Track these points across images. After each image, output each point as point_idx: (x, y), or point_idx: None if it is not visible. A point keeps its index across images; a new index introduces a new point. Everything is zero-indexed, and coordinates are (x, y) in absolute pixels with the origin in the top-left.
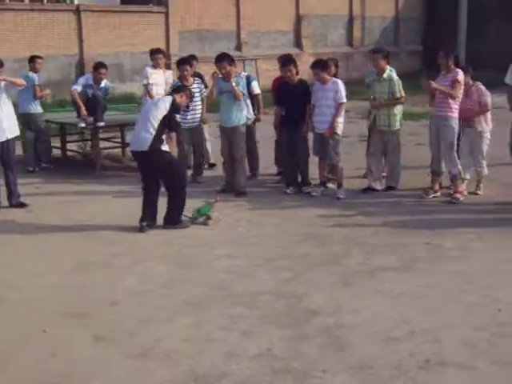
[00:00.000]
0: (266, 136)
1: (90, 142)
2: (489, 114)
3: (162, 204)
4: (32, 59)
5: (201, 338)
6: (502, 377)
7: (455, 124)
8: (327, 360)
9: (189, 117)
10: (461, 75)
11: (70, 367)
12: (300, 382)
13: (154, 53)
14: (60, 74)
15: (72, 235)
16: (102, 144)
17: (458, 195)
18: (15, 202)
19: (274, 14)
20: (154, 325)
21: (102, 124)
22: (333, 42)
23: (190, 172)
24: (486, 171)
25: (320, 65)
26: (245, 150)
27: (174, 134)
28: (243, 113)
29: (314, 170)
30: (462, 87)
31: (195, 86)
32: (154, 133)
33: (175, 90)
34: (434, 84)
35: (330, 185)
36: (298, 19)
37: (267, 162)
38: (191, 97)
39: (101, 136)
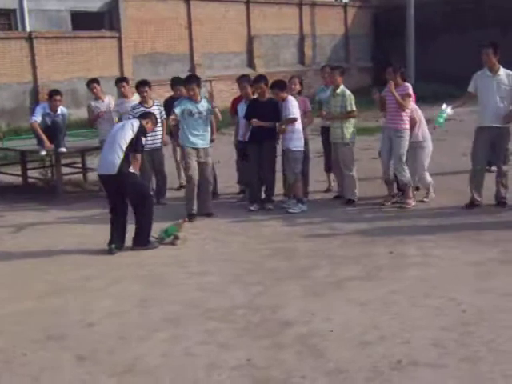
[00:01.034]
0: (224, 155)
1: (51, 169)
2: (423, 126)
3: (130, 226)
4: None
5: (180, 352)
6: (471, 373)
7: (407, 135)
8: (305, 367)
9: (149, 139)
10: (410, 89)
11: None
12: None
13: (118, 81)
14: (14, 102)
15: (42, 260)
16: (64, 170)
17: (409, 201)
18: None
19: (226, 36)
20: (134, 343)
21: (63, 150)
22: (285, 61)
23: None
24: (428, 180)
25: (279, 85)
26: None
27: (139, 155)
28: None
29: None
30: (412, 100)
31: (155, 108)
32: (122, 156)
33: (141, 116)
34: (391, 87)
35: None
36: (250, 40)
37: (227, 181)
38: (156, 123)
39: (62, 162)
